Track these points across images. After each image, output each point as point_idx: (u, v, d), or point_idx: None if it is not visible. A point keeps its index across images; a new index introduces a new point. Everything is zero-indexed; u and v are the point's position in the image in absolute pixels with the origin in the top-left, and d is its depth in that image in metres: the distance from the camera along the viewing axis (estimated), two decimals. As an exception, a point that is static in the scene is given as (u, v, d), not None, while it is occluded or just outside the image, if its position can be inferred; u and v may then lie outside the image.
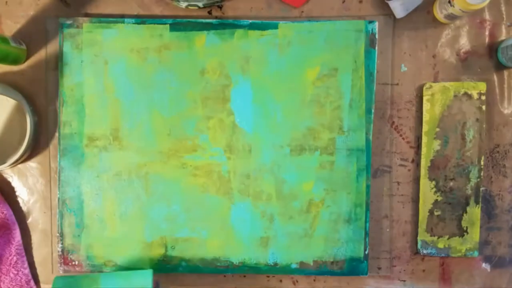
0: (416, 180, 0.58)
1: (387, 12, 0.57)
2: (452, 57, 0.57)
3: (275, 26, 0.56)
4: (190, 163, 0.56)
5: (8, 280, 0.56)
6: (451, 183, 0.57)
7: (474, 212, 0.57)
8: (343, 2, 0.57)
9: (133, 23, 0.56)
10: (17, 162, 0.56)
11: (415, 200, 0.58)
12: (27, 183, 0.58)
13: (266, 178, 0.56)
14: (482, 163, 0.56)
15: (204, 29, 0.56)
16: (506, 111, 0.58)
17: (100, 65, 0.56)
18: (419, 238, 0.57)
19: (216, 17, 0.57)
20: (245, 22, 0.56)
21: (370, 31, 0.55)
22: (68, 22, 0.55)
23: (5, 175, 0.58)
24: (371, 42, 0.56)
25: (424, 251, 0.57)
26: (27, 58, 0.57)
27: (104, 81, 0.56)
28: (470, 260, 0.58)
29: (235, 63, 0.56)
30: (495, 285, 0.58)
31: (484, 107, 0.56)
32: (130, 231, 0.57)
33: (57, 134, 0.57)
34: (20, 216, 0.58)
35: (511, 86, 0.57)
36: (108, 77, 0.56)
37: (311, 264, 0.57)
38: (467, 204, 0.57)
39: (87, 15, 0.57)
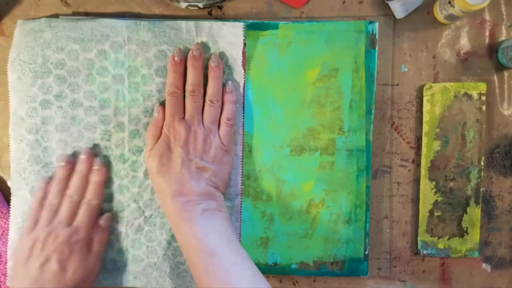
0: (416, 180, 0.58)
1: (387, 12, 0.57)
2: (452, 58, 0.57)
3: (276, 27, 0.56)
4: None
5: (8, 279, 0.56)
6: (451, 184, 0.57)
7: (474, 212, 0.57)
8: (343, 2, 0.57)
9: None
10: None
11: (415, 201, 0.58)
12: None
13: (266, 178, 0.56)
14: (482, 163, 0.56)
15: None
16: (506, 112, 0.58)
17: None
18: (419, 239, 0.57)
19: (216, 18, 0.57)
20: (245, 23, 0.56)
21: (371, 32, 0.55)
22: None
23: (2, 175, 0.58)
24: (371, 42, 0.56)
25: (424, 252, 0.57)
26: (28, 58, 0.57)
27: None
28: (470, 260, 0.58)
29: (235, 63, 0.56)
30: (496, 286, 0.58)
31: (484, 108, 0.56)
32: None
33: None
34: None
35: (511, 86, 0.57)
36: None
37: (311, 264, 0.57)
38: (467, 204, 0.57)
39: (87, 14, 0.57)
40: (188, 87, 0.53)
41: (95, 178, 0.53)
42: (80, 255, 0.50)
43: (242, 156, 0.56)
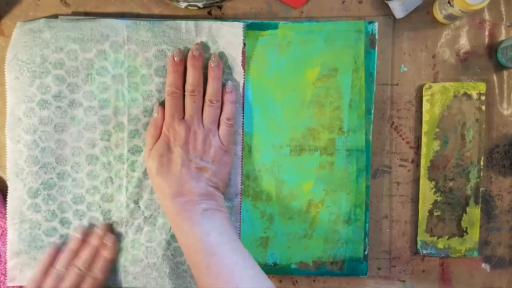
0: (416, 180, 0.58)
1: (387, 12, 0.57)
2: (452, 58, 0.57)
3: (275, 27, 0.56)
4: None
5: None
6: (451, 184, 0.57)
7: (474, 212, 0.57)
8: (343, 2, 0.57)
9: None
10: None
11: (415, 201, 0.58)
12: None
13: (266, 178, 0.56)
14: (481, 163, 0.57)
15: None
16: (505, 112, 0.58)
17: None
18: (418, 239, 0.57)
19: (216, 17, 0.57)
20: (245, 22, 0.56)
21: (370, 32, 0.55)
22: None
23: (1, 175, 0.58)
24: (371, 42, 0.56)
25: (424, 252, 0.57)
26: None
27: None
28: (469, 260, 0.58)
29: (235, 63, 0.56)
30: (495, 286, 0.58)
31: (483, 107, 0.56)
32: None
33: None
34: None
35: (511, 86, 0.57)
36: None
37: (311, 264, 0.57)
38: (467, 204, 0.57)
39: (87, 14, 0.57)
40: (188, 87, 0.53)
41: (106, 254, 0.53)
42: None
43: (242, 156, 0.56)
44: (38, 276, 0.52)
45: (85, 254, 0.53)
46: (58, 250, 0.54)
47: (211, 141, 0.52)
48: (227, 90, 0.54)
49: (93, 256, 0.53)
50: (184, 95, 0.53)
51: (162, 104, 0.54)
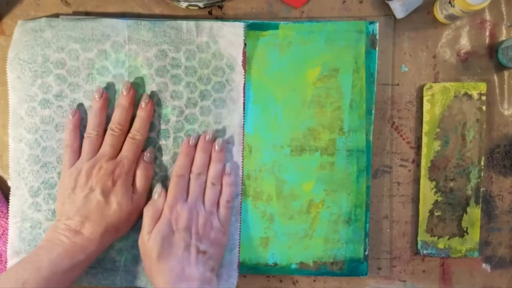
0: (417, 180, 0.58)
1: (388, 12, 0.57)
2: (453, 58, 0.57)
3: (276, 27, 0.56)
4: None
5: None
6: (451, 184, 0.57)
7: (474, 212, 0.57)
8: (344, 2, 0.57)
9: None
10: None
11: (415, 201, 0.58)
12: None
13: (266, 178, 0.56)
14: (482, 163, 0.57)
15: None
16: (506, 112, 0.58)
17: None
18: (419, 239, 0.57)
19: (216, 17, 0.57)
20: (246, 23, 0.56)
21: (371, 32, 0.55)
22: None
23: (2, 174, 0.58)
24: (371, 42, 0.56)
25: (424, 252, 0.57)
26: (27, 57, 0.57)
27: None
28: (470, 260, 0.58)
29: (236, 63, 0.56)
30: (496, 286, 0.58)
31: (484, 108, 0.56)
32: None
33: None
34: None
35: (511, 86, 0.57)
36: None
37: (311, 264, 0.57)
38: (467, 204, 0.57)
39: (88, 14, 0.57)
40: (195, 169, 0.53)
41: (142, 113, 0.53)
42: (124, 189, 0.51)
43: (242, 156, 0.56)
44: (70, 141, 0.52)
45: (116, 115, 0.53)
46: (76, 114, 0.53)
47: (211, 223, 0.52)
48: (225, 173, 0.54)
49: (125, 117, 0.53)
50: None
51: (163, 185, 0.54)
